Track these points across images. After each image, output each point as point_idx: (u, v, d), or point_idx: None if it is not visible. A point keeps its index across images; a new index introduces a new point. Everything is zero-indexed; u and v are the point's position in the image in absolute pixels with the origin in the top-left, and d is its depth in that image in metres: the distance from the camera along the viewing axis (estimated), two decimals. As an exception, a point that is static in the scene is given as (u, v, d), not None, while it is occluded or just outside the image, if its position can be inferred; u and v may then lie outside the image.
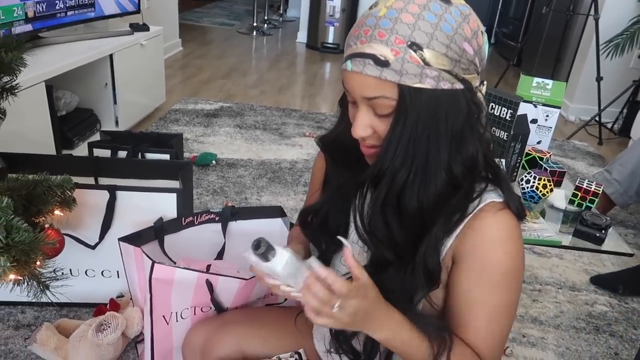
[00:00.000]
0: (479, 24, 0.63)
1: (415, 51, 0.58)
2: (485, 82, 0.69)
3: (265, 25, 5.65)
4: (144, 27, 2.68)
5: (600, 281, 1.79)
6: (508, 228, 0.66)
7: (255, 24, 5.44)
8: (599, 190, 1.36)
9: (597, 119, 3.22)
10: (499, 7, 5.95)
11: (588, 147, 3.11)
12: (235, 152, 2.55)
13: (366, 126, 0.65)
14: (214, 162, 2.37)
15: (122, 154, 1.53)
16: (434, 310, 0.71)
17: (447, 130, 0.62)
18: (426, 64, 0.59)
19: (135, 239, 1.21)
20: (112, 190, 1.29)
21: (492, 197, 0.67)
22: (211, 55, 4.35)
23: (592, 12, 3.13)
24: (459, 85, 0.61)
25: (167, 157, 1.53)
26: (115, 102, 2.44)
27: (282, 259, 0.60)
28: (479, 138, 0.66)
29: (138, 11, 2.70)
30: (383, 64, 0.59)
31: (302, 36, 5.15)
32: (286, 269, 0.60)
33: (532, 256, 1.93)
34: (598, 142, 3.18)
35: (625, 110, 3.28)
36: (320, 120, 3.09)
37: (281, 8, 6.44)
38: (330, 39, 4.82)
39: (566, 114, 3.62)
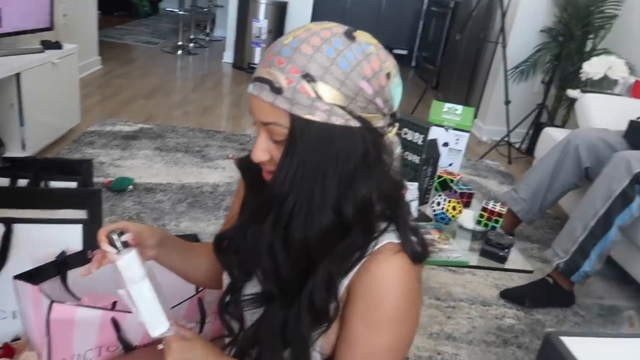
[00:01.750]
0: (384, 65, 0.63)
1: (308, 82, 0.59)
2: (397, 124, 0.70)
3: (191, 44, 5.57)
4: (57, 45, 2.55)
5: (509, 295, 1.89)
6: (400, 273, 0.65)
7: (180, 43, 5.35)
8: (503, 211, 1.46)
9: (506, 139, 3.45)
10: (419, 32, 6.25)
11: (499, 166, 3.31)
12: (155, 176, 2.47)
13: (264, 150, 0.66)
14: (130, 187, 2.28)
15: (24, 182, 1.43)
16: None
17: (336, 168, 0.62)
18: (318, 96, 0.60)
19: (33, 276, 1.12)
20: (8, 222, 1.20)
21: (390, 238, 0.67)
22: (133, 75, 4.22)
23: (501, 40, 3.37)
24: (354, 123, 0.62)
25: (74, 184, 1.45)
26: (21, 124, 2.29)
27: (129, 259, 0.70)
28: (377, 180, 0.65)
29: (51, 28, 2.57)
30: (277, 90, 0.60)
31: (228, 56, 5.12)
32: (127, 271, 0.70)
33: (447, 273, 2.01)
34: (508, 161, 3.40)
35: (531, 131, 3.53)
36: (245, 142, 3.07)
37: (208, 27, 6.38)
38: (257, 60, 4.84)
39: (479, 135, 3.84)
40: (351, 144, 0.62)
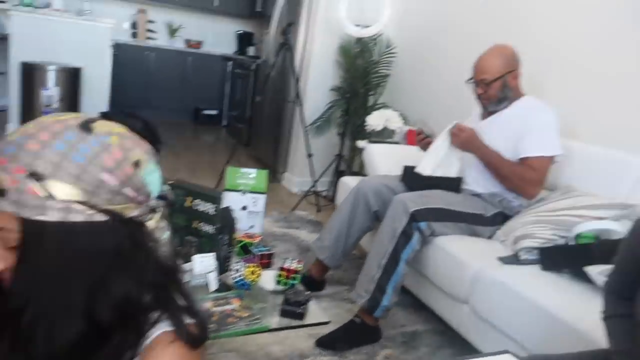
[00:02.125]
0: (129, 154, 0.60)
1: (36, 181, 0.54)
2: (157, 214, 0.65)
3: (-34, 116, 4.84)
4: None
5: (323, 343, 1.95)
6: None
7: (-50, 115, 4.61)
8: (300, 267, 1.51)
9: (313, 189, 3.67)
10: (227, 93, 6.44)
11: (309, 215, 3.49)
12: None
13: None
14: None
15: None
16: None
17: (82, 270, 0.57)
18: (49, 195, 0.54)
19: None
20: None
21: (163, 327, 0.62)
22: None
23: (297, 100, 3.64)
24: (100, 217, 0.57)
25: None
26: None
27: None
28: (138, 273, 0.61)
29: None
30: (0, 193, 0.54)
31: (13, 128, 4.56)
32: None
33: (263, 334, 2.00)
34: (317, 209, 3.60)
35: (334, 179, 3.83)
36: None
37: (-12, 96, 5.64)
38: (51, 129, 4.40)
39: (290, 187, 4.03)
40: (98, 240, 0.57)
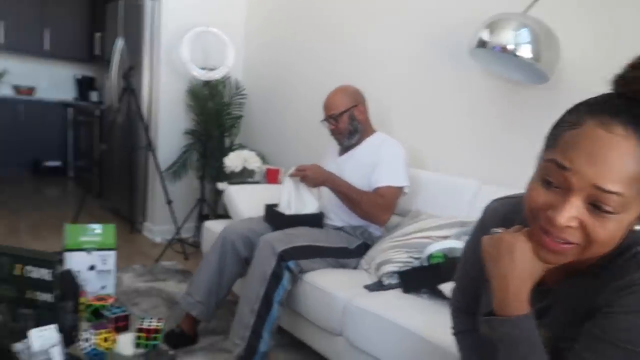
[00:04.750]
0: None
1: None
2: None
3: None
4: None
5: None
6: None
7: None
8: (160, 326, 1.41)
9: (177, 237, 3.51)
10: (71, 142, 5.92)
11: (176, 264, 3.32)
12: None
13: None
14: None
15: None
16: None
17: None
18: None
19: None
20: None
21: None
22: None
23: (148, 146, 3.48)
24: None
25: None
26: None
27: None
28: None
29: None
30: None
31: None
32: None
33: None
34: (184, 257, 3.44)
35: (199, 224, 3.70)
36: None
37: None
38: None
39: (152, 237, 3.80)
40: None
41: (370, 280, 2.03)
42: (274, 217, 2.25)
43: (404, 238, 2.09)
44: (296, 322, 2.16)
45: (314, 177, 2.19)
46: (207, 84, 3.64)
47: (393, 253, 2.04)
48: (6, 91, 5.89)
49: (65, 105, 5.97)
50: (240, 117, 3.80)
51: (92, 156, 5.11)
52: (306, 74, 3.36)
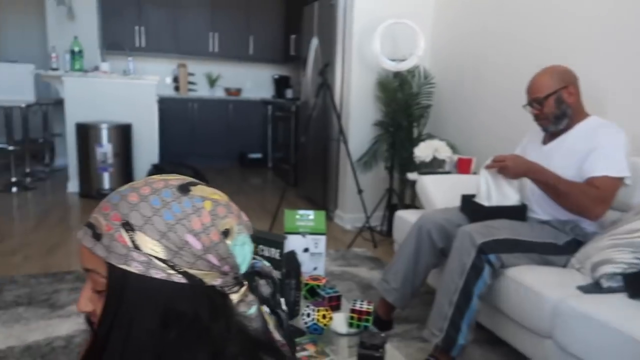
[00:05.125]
0: (219, 221, 0.61)
1: (126, 231, 0.57)
2: (245, 285, 0.65)
3: (28, 178, 5.11)
4: None
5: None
6: None
7: (14, 179, 4.87)
8: (371, 309, 1.48)
9: (367, 225, 3.64)
10: (270, 135, 6.56)
11: (366, 252, 3.45)
12: (-11, 344, 2.09)
13: (87, 300, 0.62)
14: (-44, 366, 1.89)
15: None
16: None
17: (156, 327, 0.57)
18: (135, 246, 0.57)
19: None
20: None
21: None
22: (-45, 224, 3.69)
23: (341, 137, 3.67)
24: (178, 279, 0.58)
25: None
26: None
27: None
28: (215, 347, 0.59)
29: None
30: (97, 236, 0.58)
31: (73, 185, 4.79)
32: None
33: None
34: (373, 245, 3.56)
35: (387, 214, 3.79)
36: (100, 279, 2.79)
37: (46, 157, 5.96)
38: (107, 185, 4.59)
39: (343, 224, 4.01)
40: (173, 302, 0.58)
41: (584, 280, 1.83)
42: (473, 208, 2.17)
43: (628, 236, 1.83)
44: (496, 319, 2.06)
45: (514, 168, 2.03)
46: (397, 75, 3.68)
47: (614, 252, 1.80)
48: (219, 93, 6.80)
49: (265, 102, 6.65)
50: (429, 106, 3.76)
51: (289, 148, 5.60)
52: (497, 60, 3.16)
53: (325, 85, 3.69)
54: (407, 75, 3.71)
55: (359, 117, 3.89)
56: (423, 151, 3.18)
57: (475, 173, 2.98)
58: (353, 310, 1.47)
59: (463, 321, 1.89)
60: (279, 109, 6.09)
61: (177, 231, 0.58)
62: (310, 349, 1.31)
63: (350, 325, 1.47)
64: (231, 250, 0.62)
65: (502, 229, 1.98)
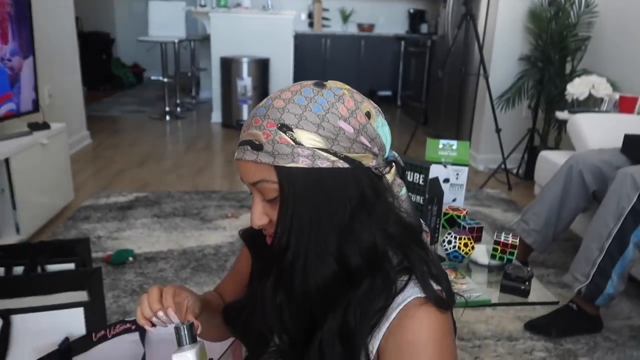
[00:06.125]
0: (360, 105, 0.64)
1: (285, 132, 0.60)
2: (394, 165, 0.68)
3: (178, 108, 5.63)
4: (45, 126, 2.55)
5: (534, 327, 1.82)
6: (429, 328, 0.61)
7: (167, 109, 5.41)
8: (516, 242, 1.41)
9: (503, 166, 3.44)
10: (401, 73, 6.39)
11: (500, 193, 3.29)
12: (154, 244, 2.41)
13: (260, 214, 0.65)
14: (130, 258, 2.22)
15: (19, 270, 1.38)
16: None
17: (331, 214, 0.61)
18: (297, 143, 0.59)
19: (36, 368, 1.06)
20: (6, 315, 1.14)
21: (415, 292, 0.63)
22: (123, 145, 4.22)
23: (482, 72, 3.43)
24: (342, 164, 0.61)
25: (71, 266, 1.39)
26: (14, 208, 2.24)
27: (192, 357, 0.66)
28: (381, 223, 0.63)
29: (37, 110, 2.58)
30: (258, 147, 0.61)
31: (216, 116, 5.17)
32: None
33: (467, 311, 1.94)
34: (508, 187, 3.37)
35: (525, 156, 3.53)
36: (242, 199, 3.04)
37: (193, 90, 6.48)
38: (245, 116, 4.88)
39: (475, 165, 3.84)
40: (343, 186, 0.61)
41: None
42: (639, 149, 1.92)
43: None
44: (653, 272, 1.86)
45: None
46: (552, 3, 3.29)
47: None
48: (352, 29, 6.71)
49: (398, 38, 6.43)
50: (587, 38, 3.33)
51: (421, 86, 5.41)
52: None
53: (468, 15, 3.43)
54: (564, 3, 3.30)
55: (504, 50, 3.59)
56: (577, 88, 2.86)
57: (640, 113, 2.62)
58: (497, 242, 1.42)
59: (614, 269, 1.73)
60: (413, 45, 5.86)
61: (329, 120, 0.61)
62: (450, 274, 1.30)
63: (493, 257, 1.43)
64: (376, 131, 0.65)
65: (675, 173, 1.74)
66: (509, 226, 2.25)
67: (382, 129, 0.66)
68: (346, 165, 0.61)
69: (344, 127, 0.61)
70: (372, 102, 0.68)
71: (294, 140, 0.59)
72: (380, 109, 0.68)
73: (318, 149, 0.60)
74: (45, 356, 1.09)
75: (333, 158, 0.60)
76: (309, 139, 0.60)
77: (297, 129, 0.60)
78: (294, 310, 0.66)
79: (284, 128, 0.60)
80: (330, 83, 0.65)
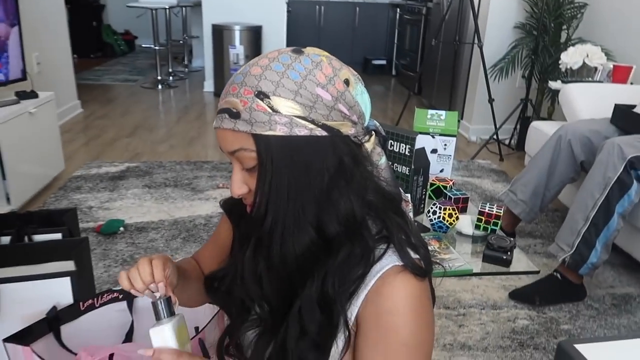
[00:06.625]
0: (338, 72, 0.63)
1: (262, 99, 0.59)
2: (374, 134, 0.68)
3: (171, 77, 5.55)
4: (32, 94, 2.52)
5: (518, 295, 1.85)
6: (407, 295, 0.63)
7: (159, 77, 5.33)
8: (500, 213, 1.43)
9: (495, 137, 3.44)
10: (395, 41, 6.29)
11: (491, 164, 3.30)
12: (145, 214, 2.42)
13: (240, 182, 0.65)
14: (121, 228, 2.23)
15: (6, 239, 1.38)
16: None
17: (310, 181, 0.61)
18: (274, 110, 0.59)
19: (24, 336, 1.07)
20: (-7, 284, 1.15)
21: (393, 260, 0.64)
22: (114, 114, 4.18)
23: (476, 40, 3.39)
24: (320, 132, 0.61)
25: (58, 235, 1.40)
26: (4, 178, 2.24)
27: (169, 330, 0.67)
28: (359, 191, 0.64)
29: (24, 78, 2.54)
30: (235, 115, 0.60)
31: (209, 85, 5.11)
32: (161, 340, 0.68)
33: (453, 280, 1.97)
34: (499, 158, 3.38)
35: (518, 127, 3.53)
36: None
37: (185, 59, 6.38)
38: (238, 86, 4.82)
39: (467, 135, 3.83)
40: (321, 154, 0.61)
41: None
42: (628, 119, 1.93)
43: None
44: (636, 242, 1.88)
45: None
46: (548, -32, 3.23)
47: None
48: (346, -5, 6.57)
49: (393, 5, 6.31)
50: (584, 6, 3.28)
51: (415, 54, 5.34)
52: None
53: (462, -19, 3.37)
54: (561, -31, 3.23)
55: (499, 18, 3.53)
56: (572, 57, 2.83)
57: (633, 83, 2.61)
58: (481, 213, 1.44)
59: (598, 239, 1.76)
60: (408, 12, 5.76)
61: (307, 87, 0.60)
62: (434, 244, 1.32)
63: (477, 227, 1.44)
64: (355, 99, 0.64)
65: (661, 143, 1.75)
66: (498, 197, 2.27)
67: (361, 96, 0.65)
68: (324, 133, 0.61)
69: (321, 95, 0.60)
70: (351, 69, 0.67)
71: (272, 107, 0.59)
72: (359, 77, 0.68)
73: (295, 116, 0.59)
74: (33, 324, 1.11)
75: (311, 126, 0.60)
76: (286, 106, 0.59)
77: (274, 97, 0.59)
78: (274, 278, 0.66)
79: (261, 95, 0.59)
80: (309, 49, 0.65)
